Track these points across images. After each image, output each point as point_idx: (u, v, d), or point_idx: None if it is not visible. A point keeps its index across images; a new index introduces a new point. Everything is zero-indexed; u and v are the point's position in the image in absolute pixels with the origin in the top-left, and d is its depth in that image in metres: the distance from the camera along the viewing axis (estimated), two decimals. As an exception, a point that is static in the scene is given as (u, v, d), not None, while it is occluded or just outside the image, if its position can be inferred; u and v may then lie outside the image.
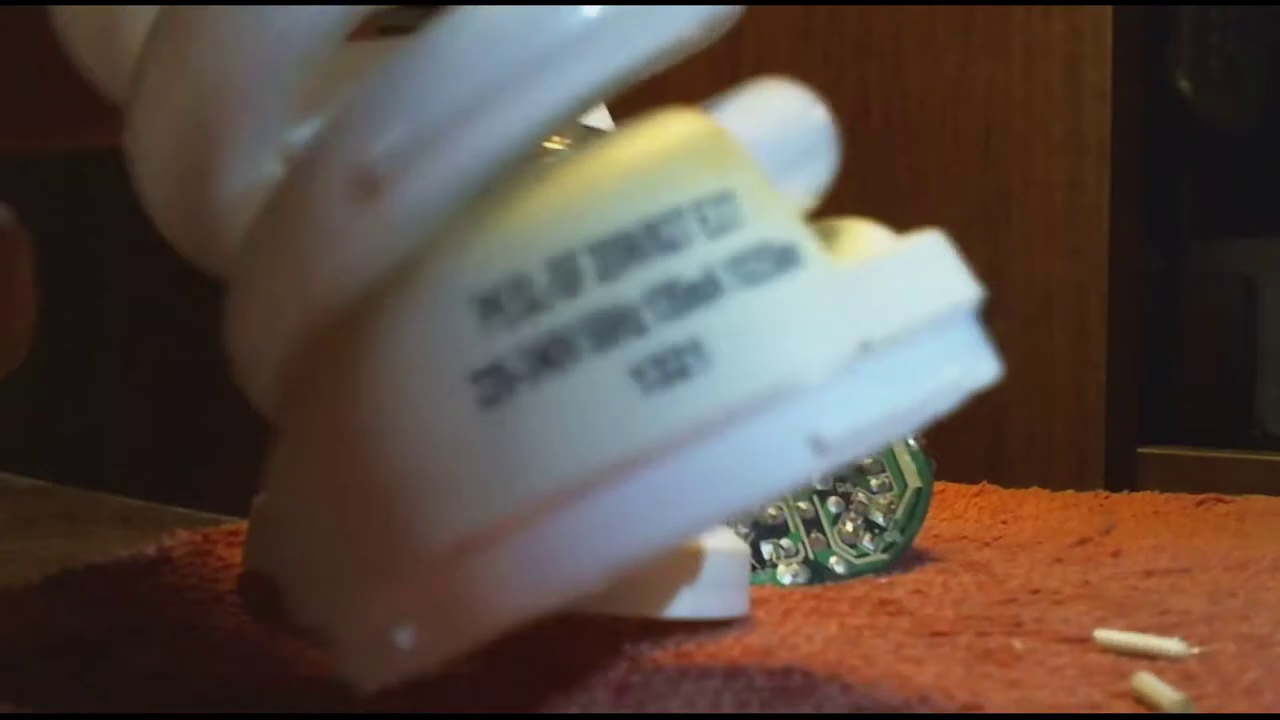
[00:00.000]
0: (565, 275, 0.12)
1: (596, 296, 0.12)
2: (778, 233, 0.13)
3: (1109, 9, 0.62)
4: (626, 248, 0.12)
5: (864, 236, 0.15)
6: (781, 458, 0.12)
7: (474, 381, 0.12)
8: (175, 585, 0.27)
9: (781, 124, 0.17)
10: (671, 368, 0.12)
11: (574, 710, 0.19)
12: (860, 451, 0.13)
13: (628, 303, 0.12)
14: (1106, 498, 0.44)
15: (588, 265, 0.12)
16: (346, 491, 0.13)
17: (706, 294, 0.12)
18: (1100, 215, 0.62)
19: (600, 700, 0.19)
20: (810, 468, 0.12)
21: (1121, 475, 0.55)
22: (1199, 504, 0.42)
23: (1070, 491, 0.45)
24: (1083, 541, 0.36)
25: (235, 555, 0.29)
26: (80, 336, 0.91)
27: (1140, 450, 0.63)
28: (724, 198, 0.13)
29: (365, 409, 0.13)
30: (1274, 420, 0.86)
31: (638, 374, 0.12)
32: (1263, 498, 0.42)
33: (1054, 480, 0.47)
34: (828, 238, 0.15)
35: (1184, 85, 0.80)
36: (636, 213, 0.13)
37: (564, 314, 0.12)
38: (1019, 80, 0.63)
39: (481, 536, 0.12)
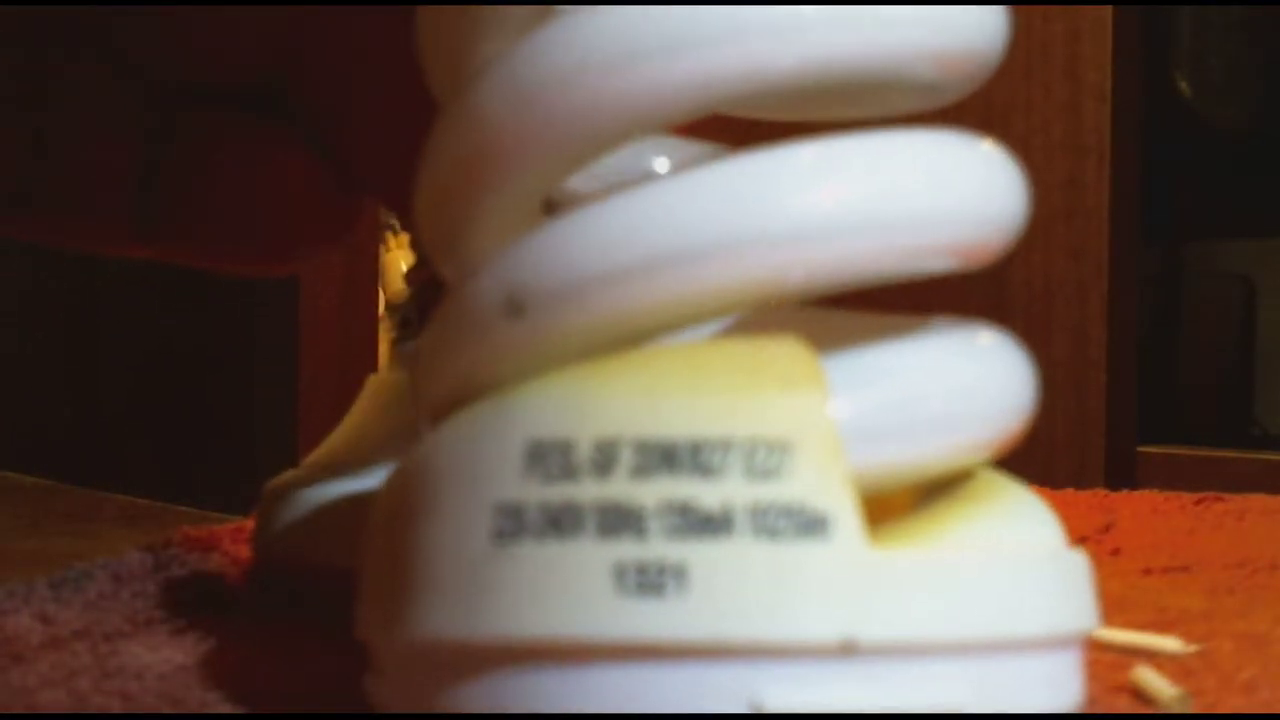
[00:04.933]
0: (604, 458, 0.13)
1: (619, 489, 0.13)
2: (817, 498, 0.13)
3: (1109, 10, 0.62)
4: (666, 456, 0.13)
5: (988, 513, 0.14)
6: (714, 707, 0.13)
7: (496, 513, 0.13)
8: (181, 582, 0.27)
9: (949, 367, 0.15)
10: (651, 580, 0.13)
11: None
12: None
13: (641, 506, 0.13)
14: (1106, 496, 0.44)
15: (626, 458, 0.13)
16: (391, 538, 0.15)
17: (714, 528, 0.13)
18: (1100, 216, 0.62)
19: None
20: None
21: (1121, 474, 0.56)
22: (1198, 502, 0.42)
23: (1070, 490, 0.45)
24: (1082, 539, 0.36)
25: (240, 552, 0.29)
26: (83, 336, 0.91)
27: (1140, 449, 0.63)
28: (781, 447, 0.13)
29: (422, 477, 0.14)
30: (1272, 419, 0.86)
31: (619, 573, 0.13)
32: (1261, 496, 0.42)
33: (1054, 478, 0.47)
34: (953, 494, 0.15)
35: (1183, 86, 0.80)
36: (690, 430, 0.13)
37: (588, 491, 0.13)
38: (1019, 81, 0.63)
39: (441, 647, 0.14)
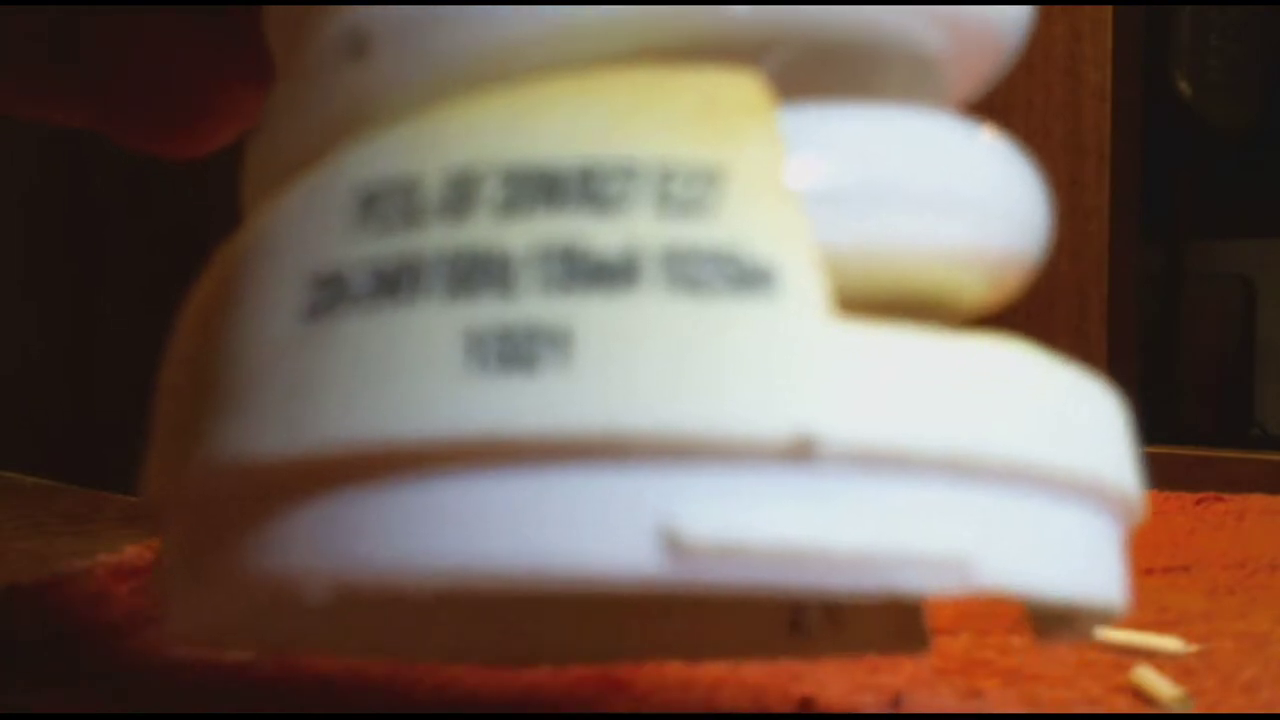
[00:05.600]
0: (459, 194, 0.10)
1: (478, 231, 0.09)
2: (755, 241, 0.09)
3: (1109, 10, 0.62)
4: (545, 187, 0.09)
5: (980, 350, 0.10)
6: (610, 538, 0.09)
7: (313, 284, 0.10)
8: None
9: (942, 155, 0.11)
10: (517, 350, 0.09)
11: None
12: (737, 576, 0.09)
13: (506, 251, 0.09)
14: (1106, 496, 0.44)
15: (491, 192, 0.10)
16: (189, 349, 0.11)
17: (610, 278, 0.09)
18: (1100, 216, 0.62)
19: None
20: (650, 567, 0.09)
21: (1121, 474, 0.56)
22: (1198, 502, 0.42)
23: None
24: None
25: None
26: (83, 335, 0.91)
27: (1140, 449, 0.63)
28: (706, 175, 0.10)
29: (229, 264, 0.11)
30: (1272, 419, 0.86)
31: (475, 342, 0.09)
32: (1261, 496, 0.42)
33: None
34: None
35: (1183, 86, 0.80)
36: (579, 151, 0.10)
37: (433, 239, 0.09)
38: (1020, 81, 0.63)
39: (246, 475, 0.10)
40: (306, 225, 0.10)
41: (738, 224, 0.09)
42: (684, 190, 0.09)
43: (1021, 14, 0.12)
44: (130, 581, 0.27)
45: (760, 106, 0.10)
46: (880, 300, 0.11)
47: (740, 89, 0.10)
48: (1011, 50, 0.12)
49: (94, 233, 0.90)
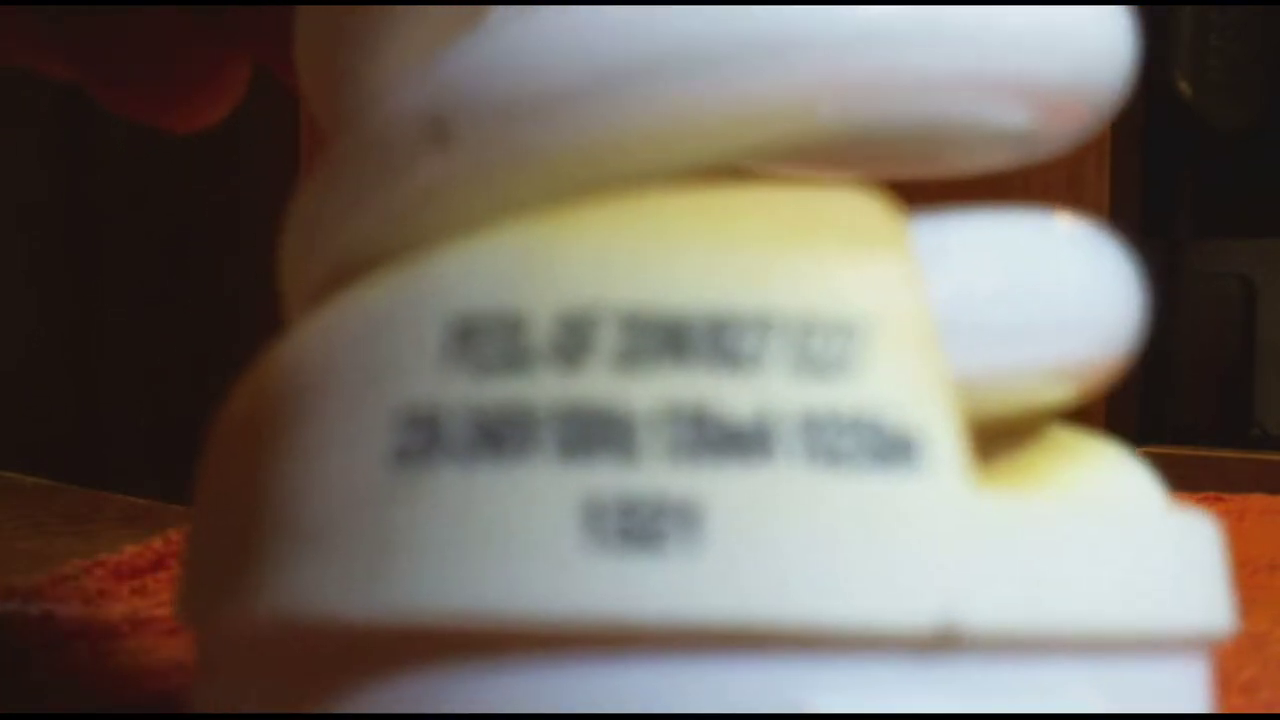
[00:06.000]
0: (572, 339, 0.09)
1: (595, 385, 0.08)
2: (900, 410, 0.09)
3: (1109, 10, 0.62)
4: (670, 338, 0.09)
5: (1090, 472, 0.11)
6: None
7: (400, 422, 0.09)
8: (182, 581, 0.27)
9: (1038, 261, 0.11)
10: (642, 526, 0.08)
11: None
12: None
13: (628, 410, 0.08)
14: (1106, 497, 0.44)
15: (608, 339, 0.09)
16: (237, 471, 0.10)
17: (744, 447, 0.08)
18: (1100, 215, 0.62)
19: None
20: None
21: (1121, 474, 0.56)
22: (1197, 503, 0.42)
23: (1070, 490, 0.45)
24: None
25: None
26: (82, 334, 0.91)
27: (1139, 449, 0.64)
28: (847, 329, 0.09)
29: (289, 379, 0.10)
30: (1272, 419, 0.86)
31: (594, 514, 0.08)
32: (1261, 496, 0.42)
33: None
34: (1035, 456, 0.11)
35: (1183, 86, 0.80)
36: (709, 298, 0.09)
37: (545, 388, 0.09)
38: (1019, 81, 0.63)
39: (309, 630, 0.09)
40: (389, 351, 0.09)
41: (880, 386, 0.09)
42: (824, 347, 0.09)
43: (1115, 74, 0.11)
44: (130, 581, 0.27)
45: (895, 239, 0.09)
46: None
47: (873, 216, 0.09)
48: (1108, 105, 0.11)
49: (92, 229, 0.90)
